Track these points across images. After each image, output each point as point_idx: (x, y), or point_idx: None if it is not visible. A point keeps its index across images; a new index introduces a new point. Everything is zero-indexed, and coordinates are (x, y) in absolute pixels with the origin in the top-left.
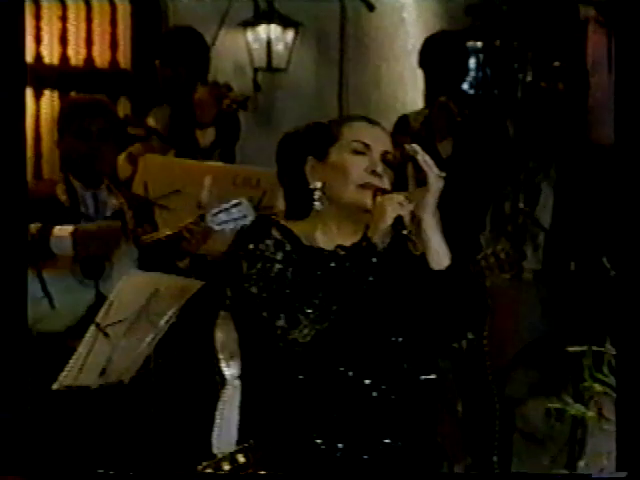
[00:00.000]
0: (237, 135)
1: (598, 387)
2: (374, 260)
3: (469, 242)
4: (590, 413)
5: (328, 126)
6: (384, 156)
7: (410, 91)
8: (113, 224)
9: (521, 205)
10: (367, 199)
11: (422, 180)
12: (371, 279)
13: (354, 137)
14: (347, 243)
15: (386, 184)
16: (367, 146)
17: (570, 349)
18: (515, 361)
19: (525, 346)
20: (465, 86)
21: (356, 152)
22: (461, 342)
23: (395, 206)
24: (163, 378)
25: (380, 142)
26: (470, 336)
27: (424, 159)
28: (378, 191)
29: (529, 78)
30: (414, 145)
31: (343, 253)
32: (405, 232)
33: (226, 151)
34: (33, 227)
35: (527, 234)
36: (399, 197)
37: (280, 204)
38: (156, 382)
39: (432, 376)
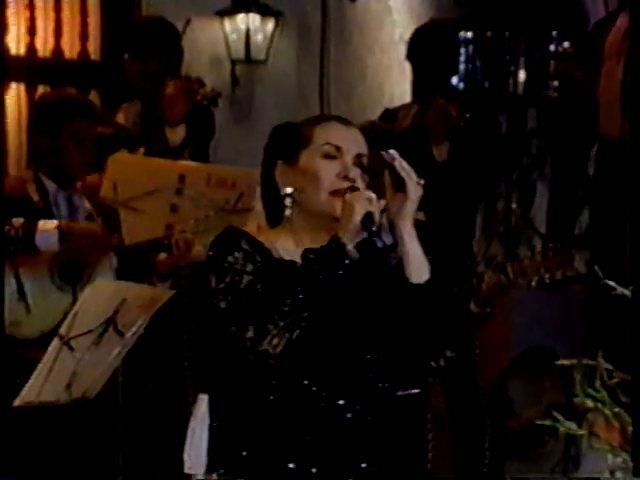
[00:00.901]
0: (211, 132)
1: (590, 403)
2: (346, 262)
3: (461, 248)
4: (582, 431)
5: (298, 127)
6: (358, 159)
7: (398, 84)
8: (97, 229)
9: (514, 206)
10: (339, 207)
11: (400, 187)
12: (343, 282)
13: (325, 140)
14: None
15: (358, 187)
16: (339, 149)
17: (559, 362)
18: (505, 373)
19: (516, 357)
20: (455, 80)
21: (327, 156)
22: (439, 361)
23: (363, 202)
24: (131, 393)
25: (354, 144)
26: (449, 354)
27: (402, 166)
28: (347, 189)
29: (523, 70)
30: (391, 151)
31: (312, 257)
32: (375, 229)
33: (199, 150)
34: (16, 222)
35: (521, 236)
36: (367, 193)
37: (258, 206)
38: (124, 397)
39: (415, 391)
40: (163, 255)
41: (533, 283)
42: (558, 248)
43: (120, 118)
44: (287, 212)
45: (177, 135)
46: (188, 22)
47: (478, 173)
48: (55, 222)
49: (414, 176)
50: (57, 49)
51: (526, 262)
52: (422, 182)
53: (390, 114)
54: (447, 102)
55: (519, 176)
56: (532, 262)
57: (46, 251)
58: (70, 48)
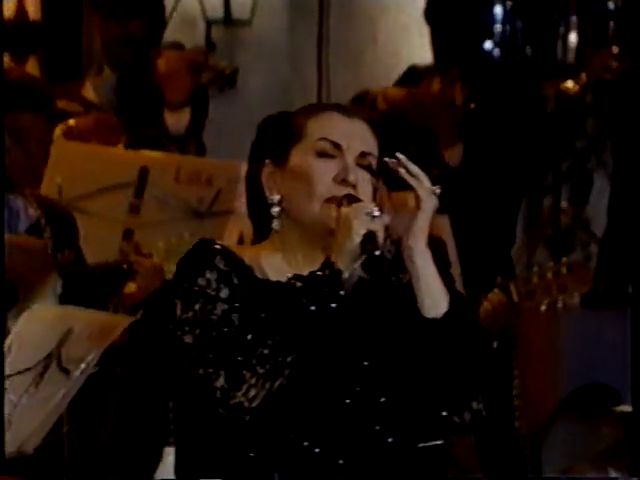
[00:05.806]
0: (206, 114)
1: None
2: (340, 293)
3: (497, 258)
4: None
5: (290, 119)
6: (363, 159)
7: (418, 49)
8: (41, 244)
9: (564, 204)
10: (333, 217)
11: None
12: (337, 317)
13: (321, 134)
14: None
15: (362, 195)
16: (338, 146)
17: (620, 409)
18: (554, 417)
19: (567, 397)
20: (488, 45)
21: (322, 155)
22: (463, 415)
23: (363, 218)
24: (79, 446)
25: (357, 140)
26: (476, 406)
27: (410, 172)
28: (344, 198)
29: (575, 32)
30: (397, 155)
31: (300, 285)
32: (378, 253)
33: (200, 139)
34: None
35: (574, 241)
36: (368, 206)
37: (241, 207)
38: (70, 451)
39: (437, 442)
40: (132, 287)
41: (543, 307)
42: (573, 264)
43: (88, 93)
44: (275, 224)
45: (180, 121)
46: None
47: (506, 177)
48: None
49: (427, 183)
50: None
51: (535, 281)
52: (438, 190)
53: (414, 70)
54: (455, 81)
55: (571, 165)
56: (541, 281)
57: None
58: (5, 5)
